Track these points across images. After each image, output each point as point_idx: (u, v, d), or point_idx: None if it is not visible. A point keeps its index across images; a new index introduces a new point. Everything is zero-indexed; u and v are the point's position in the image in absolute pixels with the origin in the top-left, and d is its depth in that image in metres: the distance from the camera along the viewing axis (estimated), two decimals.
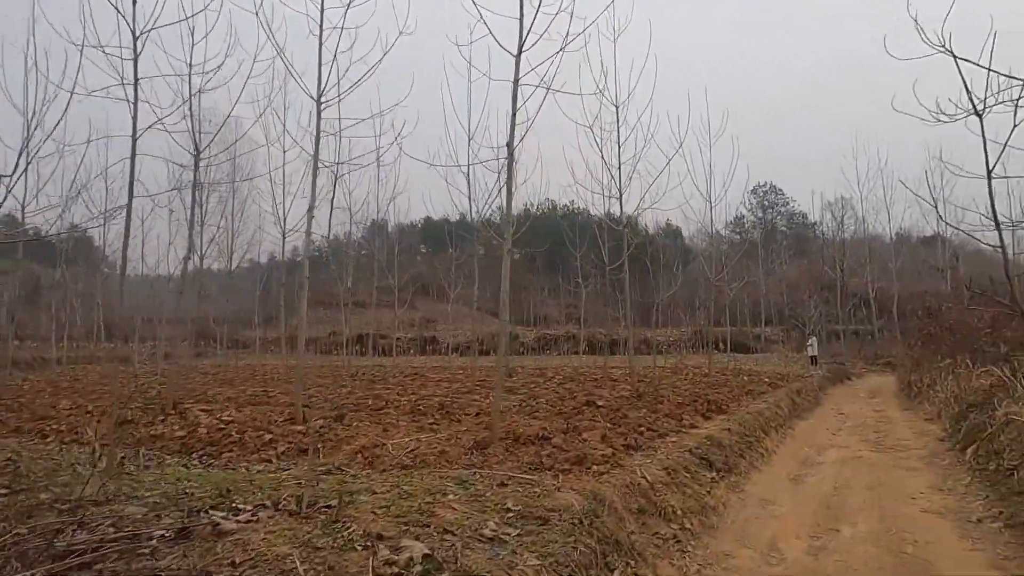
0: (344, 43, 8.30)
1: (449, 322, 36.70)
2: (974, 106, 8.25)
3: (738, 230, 54.35)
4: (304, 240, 8.17)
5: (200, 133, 9.68)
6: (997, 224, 8.00)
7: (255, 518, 3.47)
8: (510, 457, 5.44)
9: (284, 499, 3.86)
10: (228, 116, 9.73)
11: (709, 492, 5.72)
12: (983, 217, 8.20)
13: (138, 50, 5.31)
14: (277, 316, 26.66)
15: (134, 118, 5.24)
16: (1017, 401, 7.12)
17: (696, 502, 5.34)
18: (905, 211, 55.28)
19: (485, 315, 33.08)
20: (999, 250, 9.07)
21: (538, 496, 4.15)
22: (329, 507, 3.68)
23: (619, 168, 12.59)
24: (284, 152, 14.32)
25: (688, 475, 5.76)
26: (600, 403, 9.48)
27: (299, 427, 7.45)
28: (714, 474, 6.23)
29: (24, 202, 11.06)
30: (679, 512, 4.95)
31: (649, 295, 27.89)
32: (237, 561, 2.83)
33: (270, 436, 6.92)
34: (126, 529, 3.22)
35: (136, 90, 5.29)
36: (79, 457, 5.99)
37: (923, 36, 8.00)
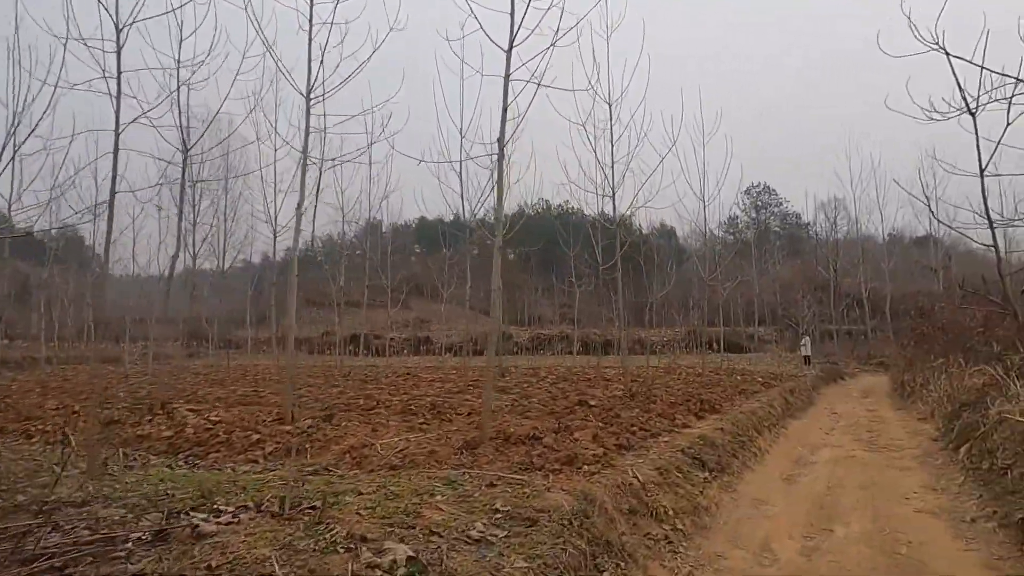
0: (334, 38, 8.22)
1: (443, 322, 36.61)
2: (967, 104, 8.24)
3: (732, 230, 54.47)
4: (293, 237, 8.08)
5: (189, 129, 9.59)
6: (990, 222, 8.00)
7: (236, 520, 3.38)
8: (500, 457, 5.36)
9: (267, 500, 3.77)
10: (217, 112, 9.61)
11: (701, 492, 5.66)
12: (976, 216, 8.21)
13: (121, 42, 5.21)
14: (269, 316, 26.49)
15: (117, 112, 5.15)
16: (1010, 400, 7.09)
17: (688, 502, 5.28)
18: (898, 211, 55.66)
19: (479, 315, 33.00)
20: (991, 249, 9.08)
21: (527, 497, 4.08)
22: (313, 508, 3.59)
23: (612, 166, 12.56)
24: (275, 150, 14.15)
25: (680, 475, 5.70)
26: (592, 403, 9.42)
27: (288, 427, 7.35)
28: (707, 474, 6.17)
29: (11, 199, 10.91)
30: (671, 512, 4.88)
31: (643, 295, 27.86)
32: (214, 565, 2.74)
33: (258, 436, 6.82)
34: (101, 532, 3.13)
35: (119, 83, 5.19)
36: (61, 458, 5.88)
37: (916, 34, 7.99)
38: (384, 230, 31.15)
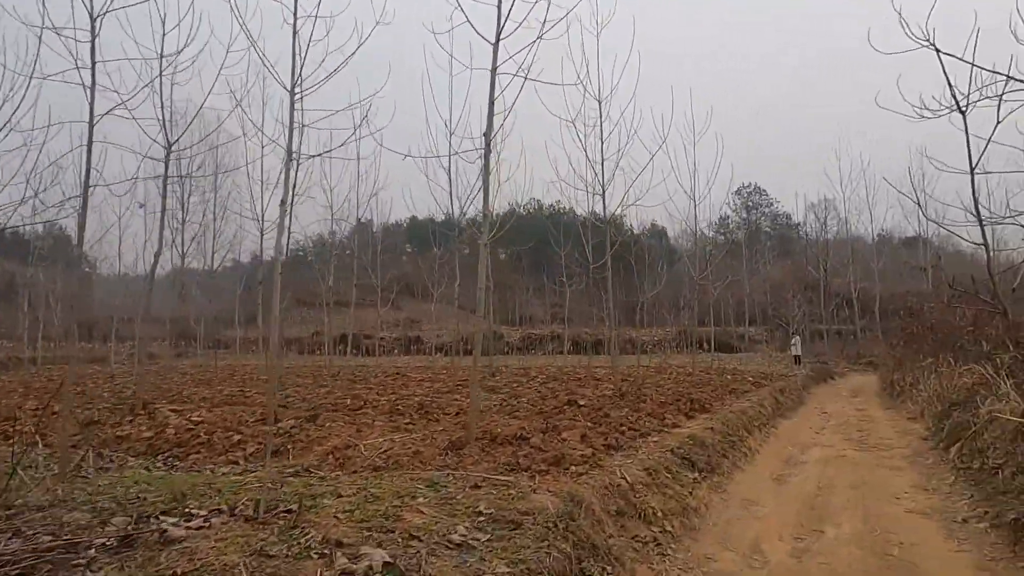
0: (319, 32, 8.06)
1: (433, 322, 36.46)
2: (957, 102, 8.21)
3: (723, 230, 54.54)
4: (277, 234, 7.92)
5: (171, 124, 9.41)
6: (980, 220, 7.97)
7: (207, 524, 3.25)
8: (486, 458, 5.25)
9: (242, 504, 3.64)
10: (201, 107, 9.45)
11: (691, 493, 5.57)
12: (968, 213, 8.18)
13: (96, 32, 5.06)
14: (258, 316, 26.25)
15: (91, 104, 5.00)
16: (1001, 399, 7.05)
17: (677, 503, 5.19)
18: (887, 212, 56.11)
19: (469, 314, 32.82)
20: (981, 247, 9.06)
21: (512, 498, 3.97)
22: (289, 512, 3.47)
23: (602, 164, 12.49)
24: (262, 146, 14.01)
25: (669, 475, 5.61)
26: (582, 402, 9.32)
27: (272, 427, 7.19)
28: (696, 474, 6.08)
29: None
30: (660, 514, 4.79)
31: (634, 295, 27.82)
32: (179, 572, 2.62)
33: (239, 437, 6.67)
34: (64, 537, 2.99)
35: (93, 74, 5.04)
36: (35, 460, 5.71)
37: (907, 31, 7.94)
38: (375, 230, 30.98)
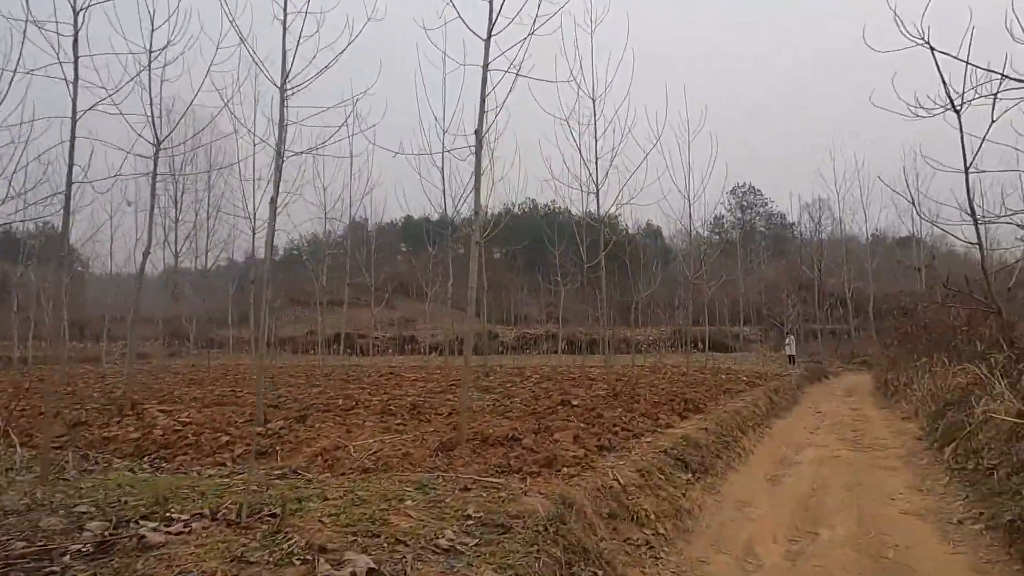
0: (310, 28, 7.97)
1: (428, 321, 36.34)
2: (951, 101, 8.19)
3: (717, 230, 54.61)
4: (267, 233, 7.83)
5: (161, 121, 9.30)
6: (975, 219, 7.95)
7: (187, 529, 3.16)
8: (477, 459, 5.18)
9: (225, 507, 3.56)
10: (190, 104, 9.36)
11: (684, 494, 5.51)
12: (962, 212, 8.15)
13: (78, 25, 4.96)
14: (251, 315, 26.06)
15: (74, 99, 4.90)
16: (995, 399, 7.01)
17: (670, 505, 5.13)
18: (881, 212, 56.22)
19: (463, 314, 32.64)
20: (975, 246, 9.05)
21: (503, 501, 3.89)
22: (273, 516, 3.39)
23: (596, 163, 12.41)
24: (254, 144, 13.87)
25: (663, 477, 5.54)
26: (575, 402, 9.25)
27: (260, 428, 7.10)
28: (689, 475, 6.02)
29: None
30: (652, 516, 4.72)
31: (629, 294, 27.80)
32: None
33: (227, 438, 6.58)
34: (39, 543, 2.91)
35: (76, 68, 4.94)
36: (16, 461, 5.62)
37: (902, 28, 7.91)
38: (370, 229, 30.86)
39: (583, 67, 13.28)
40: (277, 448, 6.18)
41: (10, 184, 6.35)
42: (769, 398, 12.81)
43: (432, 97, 20.06)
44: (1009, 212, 8.22)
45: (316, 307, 23.66)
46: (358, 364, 25.77)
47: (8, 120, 6.67)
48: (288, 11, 7.89)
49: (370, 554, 2.92)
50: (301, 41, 7.81)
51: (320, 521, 3.36)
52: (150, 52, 8.75)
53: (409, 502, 3.82)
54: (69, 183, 4.90)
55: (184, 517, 3.40)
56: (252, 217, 15.43)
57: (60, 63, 4.90)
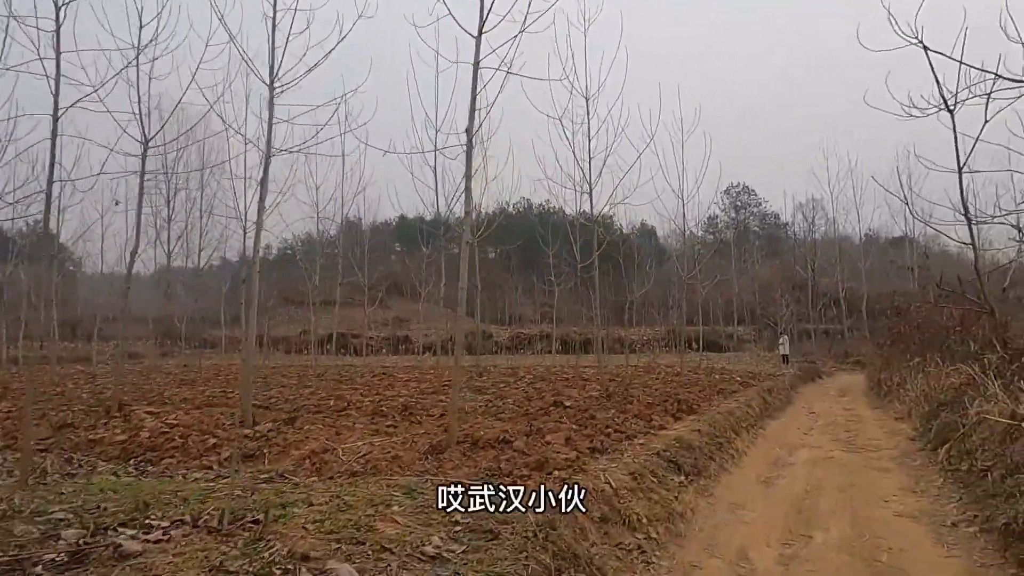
0: (300, 25, 7.90)
1: (422, 321, 36.23)
2: (944, 101, 8.17)
3: (712, 230, 54.66)
4: (256, 232, 7.75)
5: (149, 118, 9.20)
6: (968, 219, 7.93)
7: (166, 537, 3.08)
8: (467, 462, 5.11)
9: (207, 514, 3.47)
10: (179, 101, 9.26)
11: (677, 497, 5.45)
12: (956, 212, 8.13)
13: (60, 20, 4.86)
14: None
15: (55, 95, 4.80)
16: (989, 400, 6.99)
17: (663, 508, 5.06)
18: (874, 212, 56.42)
19: (456, 314, 32.64)
20: (968, 247, 9.03)
21: None
22: (256, 522, 3.31)
23: (589, 162, 12.37)
24: (245, 142, 13.69)
25: (655, 480, 5.48)
26: (568, 403, 9.19)
27: (248, 431, 7.02)
28: (682, 478, 5.96)
29: None
30: (644, 520, 4.66)
31: (623, 294, 27.78)
32: None
33: (215, 440, 6.48)
34: (11, 552, 2.82)
35: (58, 64, 4.84)
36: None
37: (896, 28, 7.88)
38: (364, 228, 30.74)
39: (576, 66, 13.18)
40: (265, 451, 6.10)
41: None
42: (763, 398, 12.78)
43: (425, 96, 19.94)
44: (1003, 212, 8.21)
45: (309, 307, 23.52)
46: (352, 364, 25.64)
47: None
48: (277, 8, 7.83)
49: (354, 562, 2.85)
50: (291, 38, 7.75)
51: (304, 528, 3.28)
52: (138, 49, 8.65)
53: (396, 507, 3.75)
54: (50, 181, 4.81)
55: (164, 524, 3.31)
56: (243, 217, 15.27)
57: (41, 59, 4.80)
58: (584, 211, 14.39)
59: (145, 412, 8.51)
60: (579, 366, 19.66)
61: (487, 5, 5.84)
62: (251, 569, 2.72)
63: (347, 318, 31.34)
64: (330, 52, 7.46)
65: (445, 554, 3.10)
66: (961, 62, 7.52)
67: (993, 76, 7.24)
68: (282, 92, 7.90)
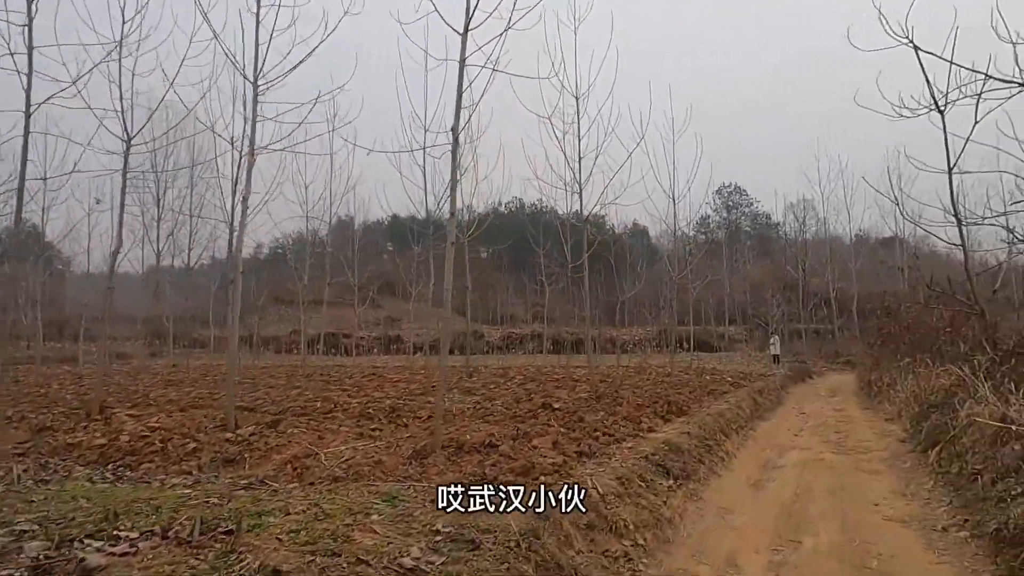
0: (284, 20, 7.76)
1: (413, 321, 36.07)
2: (935, 101, 8.13)
3: (703, 230, 54.75)
4: (239, 231, 7.61)
5: (132, 116, 9.03)
6: (958, 220, 7.89)
7: (133, 550, 2.96)
8: (451, 467, 5.01)
9: (179, 523, 3.35)
10: (163, 99, 9.14)
11: (665, 502, 5.37)
12: (946, 213, 8.10)
13: (32, 14, 4.71)
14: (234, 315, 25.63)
15: (27, 91, 4.66)
16: (979, 402, 6.95)
17: (651, 514, 4.98)
18: (865, 212, 56.67)
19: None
20: (958, 247, 9.01)
21: (474, 514, 3.72)
22: (228, 533, 3.19)
23: (579, 162, 12.27)
24: (232, 140, 13.53)
25: (643, 484, 5.40)
26: (557, 405, 9.09)
27: (230, 434, 6.88)
28: (671, 482, 5.89)
29: None
30: (632, 526, 4.57)
31: (614, 294, 27.74)
32: None
33: (195, 445, 6.34)
34: None
35: (30, 59, 4.70)
36: None
37: (887, 28, 7.84)
38: (355, 227, 30.57)
39: (566, 65, 13.05)
40: (246, 455, 5.97)
41: None
42: (753, 399, 12.75)
43: (414, 94, 19.81)
44: (993, 214, 8.19)
45: (299, 306, 23.33)
46: (341, 364, 25.47)
47: None
48: (262, 4, 7.69)
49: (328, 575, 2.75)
50: (275, 35, 7.61)
51: (278, 539, 3.17)
52: (120, 44, 8.49)
53: (376, 516, 3.64)
54: (22, 179, 4.68)
55: (133, 535, 3.19)
56: (230, 215, 15.10)
57: (12, 55, 4.66)
58: (575, 211, 14.31)
59: (127, 415, 8.36)
60: (570, 366, 19.59)
61: (473, 2, 5.74)
62: None
63: (338, 317, 31.24)
64: (315, 49, 7.34)
65: (424, 566, 3.00)
66: (952, 62, 7.49)
67: (984, 76, 7.21)
68: (267, 90, 7.77)
